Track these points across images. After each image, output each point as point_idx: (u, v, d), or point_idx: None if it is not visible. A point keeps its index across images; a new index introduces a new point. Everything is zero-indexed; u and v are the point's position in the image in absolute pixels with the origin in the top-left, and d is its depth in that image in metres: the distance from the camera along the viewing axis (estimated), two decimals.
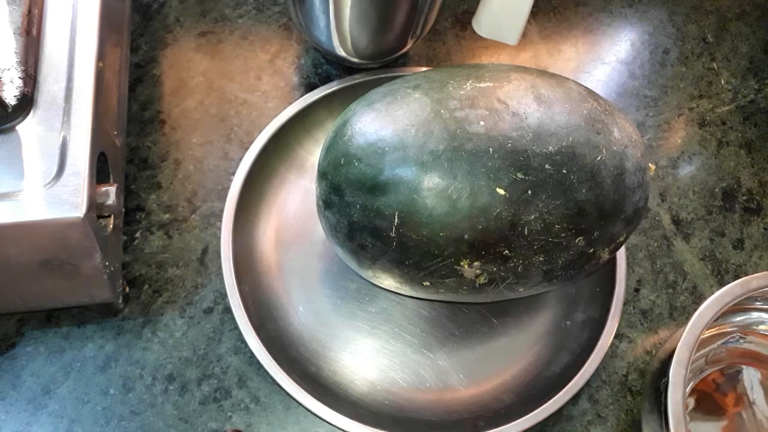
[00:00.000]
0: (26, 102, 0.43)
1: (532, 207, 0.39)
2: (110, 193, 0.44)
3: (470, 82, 0.42)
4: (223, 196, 0.57)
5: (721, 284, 0.57)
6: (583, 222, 0.40)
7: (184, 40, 0.64)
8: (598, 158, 0.40)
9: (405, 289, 0.46)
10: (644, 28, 0.71)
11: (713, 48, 0.71)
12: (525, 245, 0.40)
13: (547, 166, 0.39)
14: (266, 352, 0.48)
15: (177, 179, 0.58)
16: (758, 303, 0.51)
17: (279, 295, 0.53)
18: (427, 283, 0.43)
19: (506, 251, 0.40)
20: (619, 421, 0.52)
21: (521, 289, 0.43)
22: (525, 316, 0.54)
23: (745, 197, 0.63)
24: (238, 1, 0.67)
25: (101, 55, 0.47)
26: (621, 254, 0.53)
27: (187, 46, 0.64)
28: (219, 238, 0.52)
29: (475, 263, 0.40)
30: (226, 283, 0.50)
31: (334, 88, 0.58)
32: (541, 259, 0.41)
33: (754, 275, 0.51)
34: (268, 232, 0.56)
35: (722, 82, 0.69)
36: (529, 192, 0.39)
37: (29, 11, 0.46)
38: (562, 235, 0.40)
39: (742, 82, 0.69)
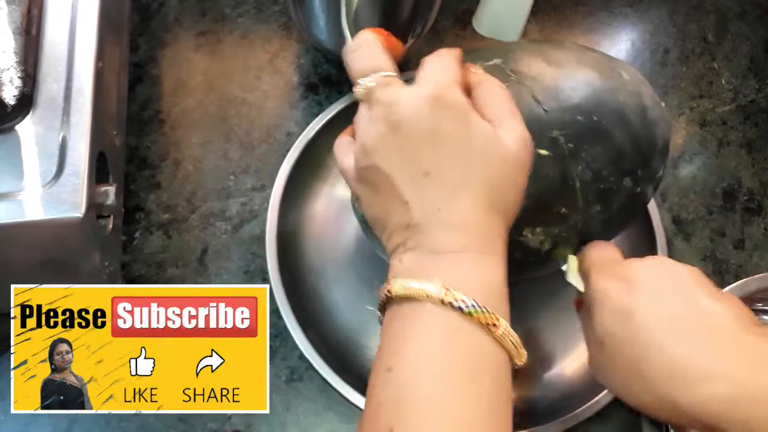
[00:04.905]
0: (26, 102, 0.43)
1: (577, 159, 0.39)
2: (109, 193, 0.44)
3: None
4: (222, 196, 0.57)
5: (722, 284, 0.57)
6: (626, 162, 0.41)
7: (184, 39, 0.64)
8: (620, 98, 0.41)
9: None
10: (645, 28, 0.71)
11: (714, 48, 0.71)
12: (580, 198, 0.40)
13: (578, 117, 0.39)
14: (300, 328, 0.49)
15: (176, 179, 0.58)
16: (758, 304, 0.51)
17: (317, 286, 0.54)
18: None
19: (563, 209, 0.40)
20: (619, 421, 0.52)
21: (584, 247, 0.43)
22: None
23: (745, 197, 0.63)
24: (238, 0, 0.67)
25: (100, 55, 0.47)
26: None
27: (187, 45, 0.64)
28: (219, 238, 0.52)
29: (538, 229, 0.40)
30: (268, 250, 0.51)
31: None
32: (598, 208, 0.41)
33: (754, 277, 0.51)
34: (309, 224, 0.56)
35: (723, 81, 0.69)
36: (571, 145, 0.39)
37: (29, 11, 0.46)
38: (611, 179, 0.40)
39: (742, 82, 0.69)
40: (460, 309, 0.29)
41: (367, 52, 0.34)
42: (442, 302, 0.29)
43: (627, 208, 0.42)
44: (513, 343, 0.30)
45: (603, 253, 0.39)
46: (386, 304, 0.32)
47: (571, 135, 0.39)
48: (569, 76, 0.40)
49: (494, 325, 0.29)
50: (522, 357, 0.31)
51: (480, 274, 0.31)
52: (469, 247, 0.31)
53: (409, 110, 0.31)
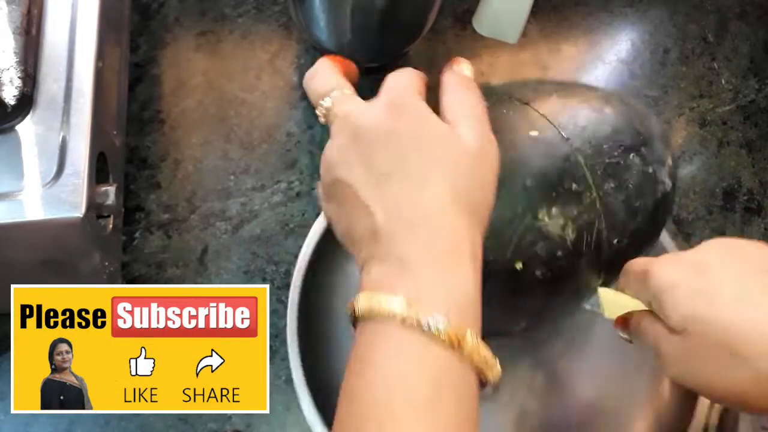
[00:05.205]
0: (26, 102, 0.43)
1: (571, 135, 0.40)
2: (109, 193, 0.44)
3: None
4: (222, 196, 0.57)
5: None
6: (625, 137, 0.41)
7: (184, 39, 0.64)
8: (599, 92, 0.42)
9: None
10: (645, 28, 0.71)
11: (714, 48, 0.71)
12: (588, 172, 0.39)
13: (564, 101, 0.40)
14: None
15: (176, 179, 0.58)
16: None
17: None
18: (519, 265, 0.39)
19: (574, 185, 0.38)
20: None
21: (616, 240, 0.40)
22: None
23: (745, 197, 0.63)
24: (238, 0, 0.67)
25: (101, 55, 0.47)
26: None
27: (187, 45, 0.64)
28: (219, 238, 0.52)
29: (554, 209, 0.38)
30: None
31: None
32: (612, 185, 0.39)
33: None
34: None
35: (723, 81, 0.69)
36: (561, 121, 0.40)
37: (29, 11, 0.46)
38: (615, 153, 0.40)
39: (742, 82, 0.69)
40: (421, 329, 0.28)
41: (323, 76, 0.35)
42: (404, 321, 0.28)
43: (645, 190, 0.41)
44: (483, 358, 0.29)
45: (640, 260, 0.38)
46: (355, 319, 0.31)
47: (561, 117, 0.40)
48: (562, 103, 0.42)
49: (460, 342, 0.28)
50: (495, 371, 0.30)
51: (446, 283, 0.30)
52: (434, 248, 0.30)
53: (366, 118, 0.32)
